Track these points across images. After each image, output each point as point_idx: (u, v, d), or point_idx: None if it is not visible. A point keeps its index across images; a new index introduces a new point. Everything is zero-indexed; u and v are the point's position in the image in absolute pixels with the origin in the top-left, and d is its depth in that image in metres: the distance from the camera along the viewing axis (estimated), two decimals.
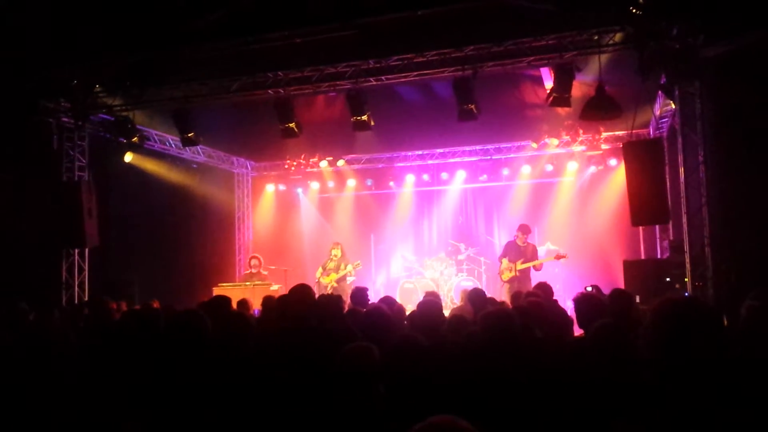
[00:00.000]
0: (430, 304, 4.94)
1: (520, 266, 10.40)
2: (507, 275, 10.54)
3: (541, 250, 12.24)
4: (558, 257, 10.74)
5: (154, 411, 3.01)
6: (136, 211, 11.97)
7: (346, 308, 7.02)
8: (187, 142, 11.03)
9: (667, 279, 9.06)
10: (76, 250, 10.84)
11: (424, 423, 1.57)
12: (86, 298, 10.60)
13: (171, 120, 10.71)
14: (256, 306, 8.33)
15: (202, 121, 10.90)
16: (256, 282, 11.65)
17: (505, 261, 10.66)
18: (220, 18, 8.30)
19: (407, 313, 6.28)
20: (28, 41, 8.68)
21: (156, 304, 7.67)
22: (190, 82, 10.05)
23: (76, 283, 10.79)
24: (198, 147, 12.81)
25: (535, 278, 9.99)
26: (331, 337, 4.05)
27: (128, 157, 11.49)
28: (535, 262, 10.40)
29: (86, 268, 10.92)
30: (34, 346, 3.76)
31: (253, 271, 12.25)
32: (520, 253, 10.57)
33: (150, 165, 12.44)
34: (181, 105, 10.39)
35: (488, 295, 7.21)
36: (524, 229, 10.74)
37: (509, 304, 6.88)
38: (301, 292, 4.54)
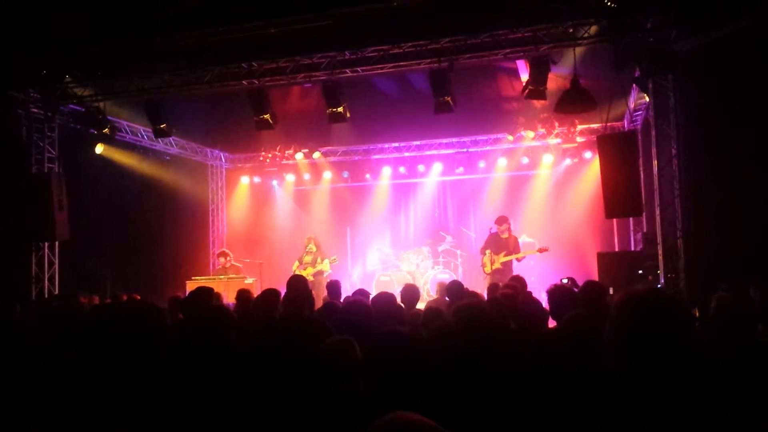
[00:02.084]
0: (387, 297, 4.97)
1: (502, 259, 10.43)
2: (489, 268, 10.57)
3: None
4: (540, 251, 10.78)
5: (125, 407, 2.94)
6: (108, 204, 11.79)
7: (323, 301, 7.05)
8: (159, 134, 10.85)
9: (640, 271, 9.16)
10: (46, 244, 10.64)
11: (379, 422, 1.56)
12: (56, 293, 10.43)
13: (143, 111, 10.52)
14: (230, 299, 8.24)
15: (174, 112, 10.73)
16: (231, 275, 11.54)
17: (488, 253, 10.67)
18: (194, 6, 8.17)
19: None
20: None
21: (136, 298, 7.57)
22: (162, 72, 9.89)
23: (47, 277, 10.59)
24: (171, 138, 12.63)
25: (517, 270, 10.04)
26: (311, 331, 4.03)
27: (99, 149, 11.28)
28: (518, 255, 10.43)
29: (56, 261, 10.73)
30: None
31: (227, 266, 12.14)
32: (502, 245, 10.59)
33: (122, 157, 12.24)
34: (153, 95, 10.22)
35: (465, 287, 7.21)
36: (503, 221, 10.76)
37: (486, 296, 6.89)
38: (301, 283, 4.64)
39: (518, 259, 10.54)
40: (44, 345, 3.88)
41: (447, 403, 3.06)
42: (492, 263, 10.55)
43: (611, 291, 8.07)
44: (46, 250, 10.67)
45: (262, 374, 3.48)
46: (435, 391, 3.13)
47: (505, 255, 10.45)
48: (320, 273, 11.68)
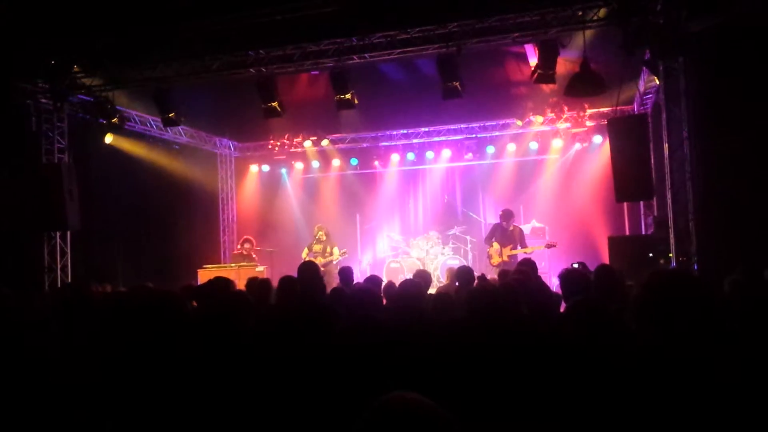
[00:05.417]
0: (412, 284, 4.96)
1: (509, 253, 10.47)
2: (497, 260, 10.60)
3: (527, 228, 12.28)
4: (548, 246, 10.80)
5: (138, 394, 2.96)
6: (118, 194, 11.83)
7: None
8: (168, 123, 10.86)
9: (651, 254, 9.11)
10: (58, 234, 10.70)
11: (378, 401, 1.58)
12: (69, 282, 10.49)
13: (151, 100, 10.53)
14: (240, 287, 8.27)
15: (183, 101, 10.73)
16: (242, 263, 11.61)
17: (495, 245, 10.70)
18: None
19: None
20: (3, 22, 8.48)
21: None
22: (170, 61, 9.87)
23: (59, 266, 10.66)
24: (180, 127, 12.64)
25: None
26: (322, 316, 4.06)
27: (108, 139, 11.31)
28: (526, 250, 10.45)
29: (68, 251, 10.79)
30: (12, 330, 3.71)
31: (244, 253, 12.23)
32: (507, 236, 10.63)
33: (131, 146, 12.26)
34: (161, 84, 10.21)
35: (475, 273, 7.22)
36: (507, 215, 10.79)
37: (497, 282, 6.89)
38: (312, 269, 4.70)
39: (527, 254, 10.60)
40: (61, 333, 3.92)
41: (460, 386, 3.07)
42: (500, 255, 10.58)
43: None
44: (58, 240, 10.74)
45: (275, 358, 3.50)
46: (448, 374, 3.14)
47: (512, 248, 10.49)
48: (330, 263, 11.72)
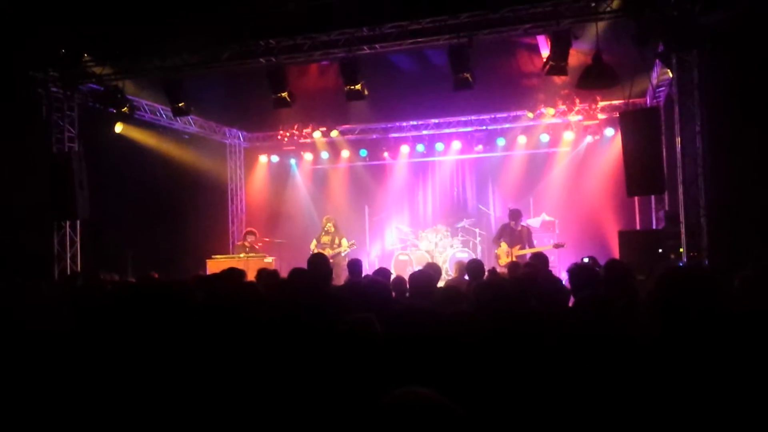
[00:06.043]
0: (423, 276, 4.94)
1: (518, 253, 10.43)
2: (505, 260, 10.55)
3: (536, 221, 12.22)
4: (556, 246, 10.75)
5: (148, 383, 2.97)
6: (128, 183, 11.85)
7: (344, 280, 7.11)
8: (178, 112, 10.84)
9: (661, 250, 9.04)
10: (68, 223, 10.74)
11: (390, 396, 1.58)
12: (78, 271, 10.54)
13: (160, 88, 10.52)
14: (250, 278, 8.28)
15: (193, 90, 10.72)
16: (251, 254, 11.61)
17: (504, 245, 10.65)
18: None
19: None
20: (15, 11, 8.49)
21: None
22: (180, 50, 9.86)
23: (68, 255, 10.71)
24: (189, 117, 12.64)
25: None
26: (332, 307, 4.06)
27: (118, 128, 11.33)
28: (534, 250, 10.41)
29: (78, 240, 10.84)
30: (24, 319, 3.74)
31: (246, 245, 12.22)
32: (515, 236, 10.59)
33: (140, 136, 12.28)
34: (171, 74, 10.20)
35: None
36: (515, 215, 10.73)
37: (507, 275, 6.86)
38: (321, 261, 4.69)
39: None
40: (70, 321, 3.93)
41: (468, 381, 3.05)
42: (507, 255, 10.54)
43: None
44: (68, 229, 10.78)
45: (283, 349, 3.50)
46: (456, 368, 3.12)
47: (521, 248, 10.44)
48: (338, 254, 11.73)
